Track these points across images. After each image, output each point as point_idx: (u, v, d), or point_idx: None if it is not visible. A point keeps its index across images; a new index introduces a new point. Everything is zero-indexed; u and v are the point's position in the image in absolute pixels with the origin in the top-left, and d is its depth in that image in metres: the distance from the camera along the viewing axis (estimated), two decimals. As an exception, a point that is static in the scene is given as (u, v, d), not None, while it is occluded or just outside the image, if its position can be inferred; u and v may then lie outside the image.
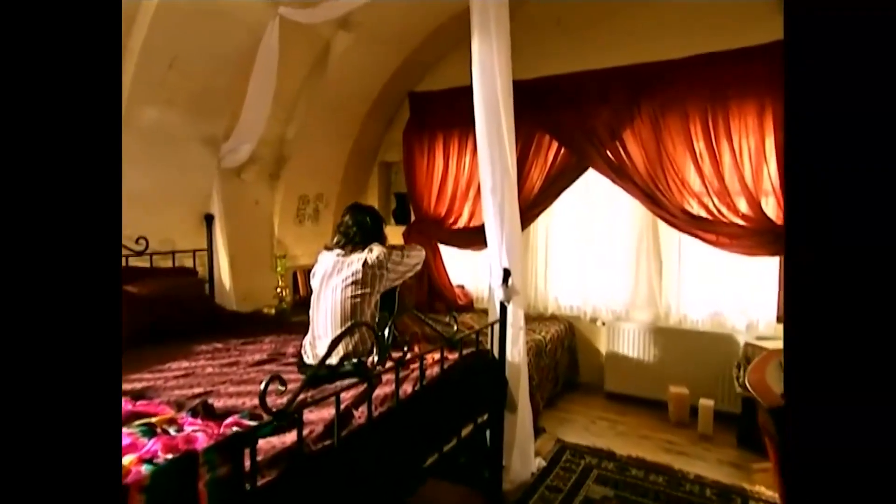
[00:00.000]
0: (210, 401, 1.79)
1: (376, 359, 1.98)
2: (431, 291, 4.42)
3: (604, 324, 3.97)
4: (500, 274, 2.45)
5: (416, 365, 1.96)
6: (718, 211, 3.31)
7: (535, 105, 3.75)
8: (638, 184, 3.55)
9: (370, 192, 5.05)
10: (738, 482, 2.63)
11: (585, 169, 3.82)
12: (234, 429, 1.48)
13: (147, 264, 3.24)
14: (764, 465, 2.76)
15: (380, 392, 1.83)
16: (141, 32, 2.75)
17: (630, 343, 3.79)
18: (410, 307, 2.80)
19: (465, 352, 2.29)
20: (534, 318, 3.92)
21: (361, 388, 1.73)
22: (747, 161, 3.21)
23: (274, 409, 1.32)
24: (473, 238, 4.13)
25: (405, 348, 1.87)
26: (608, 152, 3.65)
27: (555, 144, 3.91)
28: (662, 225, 3.64)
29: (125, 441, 1.35)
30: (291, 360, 2.46)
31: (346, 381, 1.79)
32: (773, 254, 3.15)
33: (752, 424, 3.03)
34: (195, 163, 3.47)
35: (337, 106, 4.21)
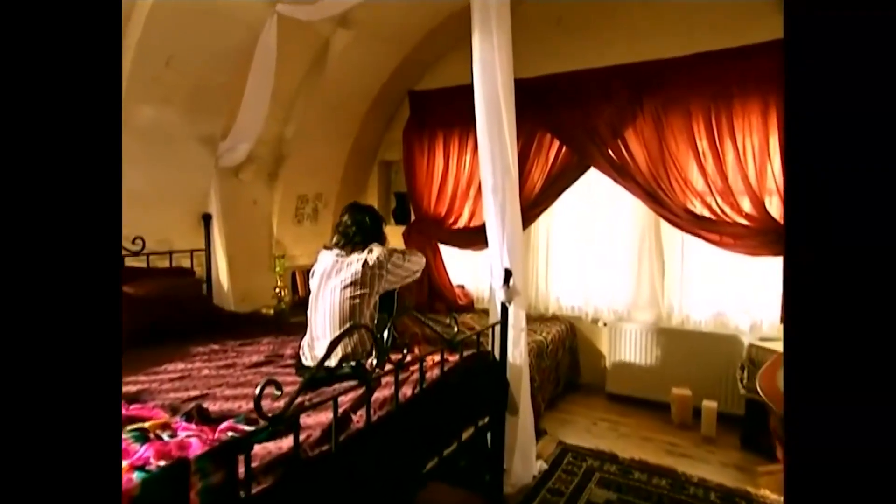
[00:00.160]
0: (205, 404, 1.76)
1: (375, 361, 1.95)
2: (431, 292, 4.39)
3: (605, 324, 3.93)
4: (502, 274, 2.42)
5: (416, 367, 1.93)
6: (722, 210, 3.27)
7: (536, 104, 3.71)
8: (640, 183, 3.51)
9: (370, 192, 5.02)
10: (743, 485, 2.60)
11: (587, 168, 3.78)
12: (230, 434, 1.44)
13: (144, 264, 3.21)
14: (769, 468, 2.72)
15: (379, 395, 1.79)
16: (137, 30, 2.71)
17: (632, 344, 3.75)
18: (410, 308, 2.76)
19: (465, 353, 2.25)
20: (535, 319, 3.88)
21: (360, 391, 1.70)
22: (751, 160, 3.18)
23: (270, 414, 1.28)
24: (474, 238, 4.10)
25: (405, 350, 1.83)
26: (610, 151, 3.61)
27: (556, 143, 3.88)
28: (665, 224, 3.60)
29: (117, 447, 1.32)
30: (289, 361, 2.43)
31: (345, 384, 1.75)
32: (776, 254, 3.11)
33: (756, 426, 3.01)
34: (192, 162, 3.44)
35: (336, 105, 4.18)
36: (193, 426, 1.52)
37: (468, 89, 2.44)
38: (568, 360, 3.89)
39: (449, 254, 4.48)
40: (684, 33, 3.44)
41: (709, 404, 3.21)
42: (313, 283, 2.34)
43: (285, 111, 3.95)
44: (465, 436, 2.23)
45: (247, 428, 1.47)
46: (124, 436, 1.38)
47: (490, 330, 2.51)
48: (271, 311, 3.85)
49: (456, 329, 2.26)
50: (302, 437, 1.43)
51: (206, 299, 3.55)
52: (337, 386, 1.77)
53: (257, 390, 1.22)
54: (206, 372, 2.27)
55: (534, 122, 3.80)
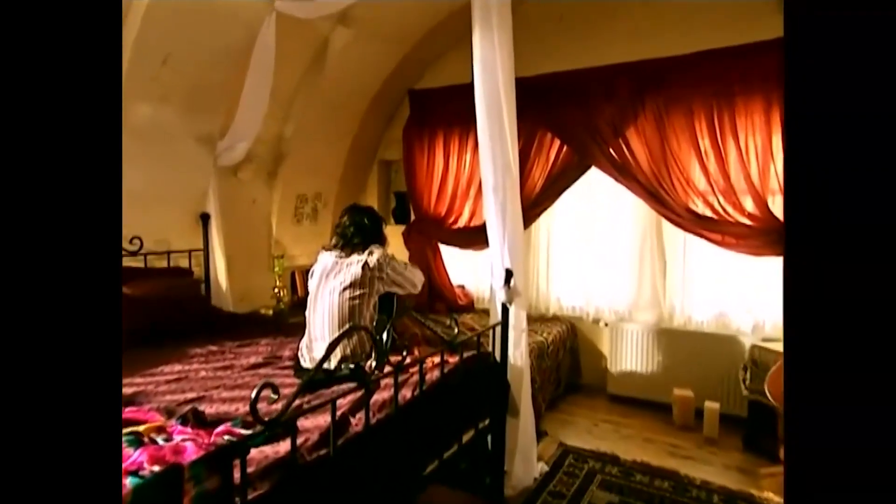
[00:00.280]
0: (202, 407, 1.73)
1: (374, 364, 1.93)
2: (431, 292, 4.36)
3: (606, 325, 3.91)
4: (502, 274, 2.39)
5: (416, 369, 1.90)
6: (724, 210, 3.24)
7: (537, 102, 3.68)
8: (641, 182, 3.49)
9: (369, 191, 4.99)
10: (746, 488, 2.57)
11: (588, 167, 3.76)
12: (226, 438, 1.42)
13: (141, 265, 3.18)
14: (771, 470, 2.70)
15: (378, 398, 1.77)
16: (133, 27, 2.68)
17: (633, 344, 3.72)
18: (410, 308, 2.74)
19: (465, 355, 2.23)
20: (535, 319, 3.86)
21: (359, 393, 1.67)
22: (754, 159, 3.15)
23: (266, 418, 1.26)
24: (474, 238, 4.07)
25: (404, 352, 1.81)
26: (611, 150, 3.59)
27: (557, 142, 3.85)
28: (666, 224, 3.58)
29: (110, 451, 1.29)
30: (288, 363, 2.40)
31: (344, 386, 1.73)
32: (779, 254, 3.08)
33: (759, 428, 2.98)
34: (191, 161, 3.41)
35: (336, 103, 4.15)
36: (189, 430, 1.49)
37: (468, 88, 2.42)
38: (569, 360, 3.86)
39: (449, 254, 4.45)
40: (686, 31, 3.42)
41: (711, 405, 3.19)
42: (312, 283, 2.31)
43: (284, 110, 3.92)
44: (465, 438, 2.20)
45: (243, 431, 1.44)
46: (118, 440, 1.35)
47: (490, 331, 2.48)
48: (270, 312, 3.83)
49: (456, 330, 2.24)
50: (299, 440, 1.40)
51: (204, 300, 3.52)
52: (335, 388, 1.75)
53: (253, 394, 1.20)
54: (203, 374, 2.25)
55: (534, 121, 3.77)
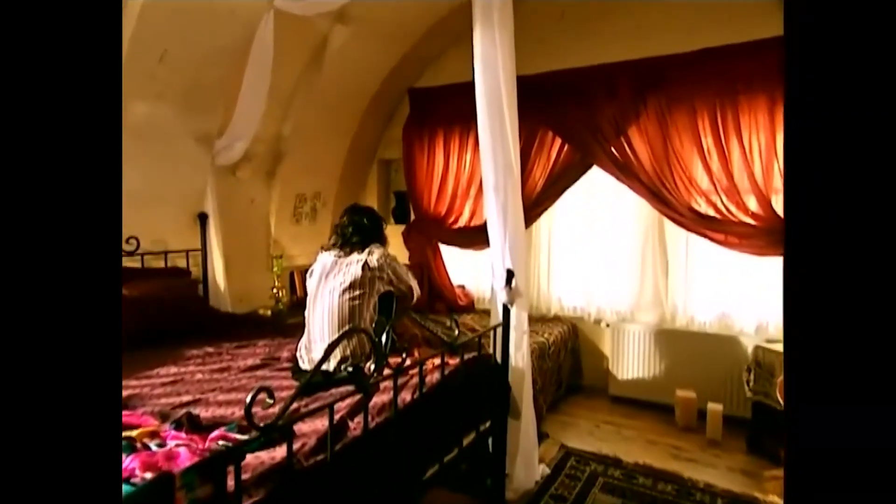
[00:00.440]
0: (197, 410, 1.70)
1: (373, 366, 1.89)
2: (432, 292, 4.33)
3: (608, 325, 3.87)
4: (503, 275, 2.36)
5: (416, 371, 1.87)
6: (727, 209, 3.21)
7: (538, 101, 3.64)
8: (644, 181, 3.45)
9: (369, 191, 4.95)
10: (750, 491, 2.54)
11: (590, 166, 3.72)
12: (220, 443, 1.38)
13: (138, 265, 3.14)
14: (775, 473, 2.66)
15: (377, 401, 1.73)
16: (130, 24, 2.64)
17: (635, 345, 3.69)
18: (410, 309, 2.70)
19: (466, 356, 2.19)
20: (536, 320, 3.82)
21: (357, 397, 1.64)
22: (757, 158, 3.11)
23: (261, 424, 1.22)
24: (474, 237, 4.04)
25: (404, 354, 1.77)
26: (613, 149, 3.55)
27: (558, 141, 3.82)
28: (669, 224, 3.54)
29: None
30: (286, 364, 2.37)
31: (342, 389, 1.69)
32: (783, 254, 3.05)
33: (763, 430, 2.95)
34: (188, 160, 3.37)
35: (335, 102, 4.11)
36: (183, 434, 1.46)
37: (469, 86, 2.39)
38: (570, 361, 3.83)
39: (449, 253, 4.42)
40: (688, 29, 3.39)
41: (714, 407, 3.15)
42: (311, 283, 2.28)
43: (283, 108, 3.88)
44: (466, 441, 2.17)
45: (238, 437, 1.41)
46: (110, 445, 1.32)
47: (491, 332, 2.45)
48: (269, 312, 3.80)
49: (457, 331, 2.20)
50: (296, 445, 1.37)
51: (202, 300, 3.48)
52: (333, 391, 1.71)
53: (248, 398, 1.16)
54: (199, 376, 2.21)
55: (535, 119, 3.73)
